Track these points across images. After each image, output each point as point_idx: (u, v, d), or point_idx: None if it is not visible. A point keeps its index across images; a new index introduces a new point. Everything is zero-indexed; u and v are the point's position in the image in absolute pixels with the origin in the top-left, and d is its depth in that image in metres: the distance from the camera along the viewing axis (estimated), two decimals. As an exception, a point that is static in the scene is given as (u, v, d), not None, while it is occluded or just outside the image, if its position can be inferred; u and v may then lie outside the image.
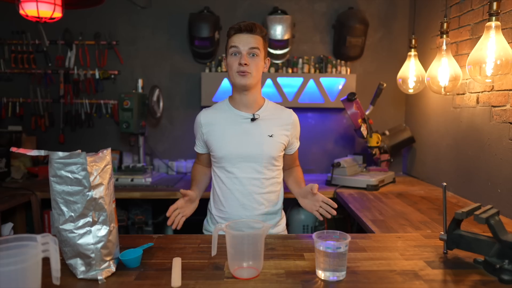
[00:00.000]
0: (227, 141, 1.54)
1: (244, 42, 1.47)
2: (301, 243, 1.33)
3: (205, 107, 3.01)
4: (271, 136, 1.55)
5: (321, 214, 1.46)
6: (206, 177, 1.73)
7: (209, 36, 2.82)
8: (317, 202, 1.45)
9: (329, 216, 1.43)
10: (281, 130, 1.58)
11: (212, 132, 1.57)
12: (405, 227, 1.68)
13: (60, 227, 1.00)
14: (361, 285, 1.01)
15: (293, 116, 1.64)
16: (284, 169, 1.72)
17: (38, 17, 2.05)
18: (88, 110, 3.08)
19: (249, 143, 1.53)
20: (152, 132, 3.12)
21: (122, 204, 2.74)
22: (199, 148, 1.68)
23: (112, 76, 3.07)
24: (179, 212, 1.51)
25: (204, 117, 1.61)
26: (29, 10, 2.01)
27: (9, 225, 2.24)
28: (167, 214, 1.48)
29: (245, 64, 1.46)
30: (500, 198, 1.89)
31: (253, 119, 1.54)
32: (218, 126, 1.56)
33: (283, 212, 1.70)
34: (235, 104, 1.58)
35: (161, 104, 2.98)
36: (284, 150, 1.62)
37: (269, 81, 2.94)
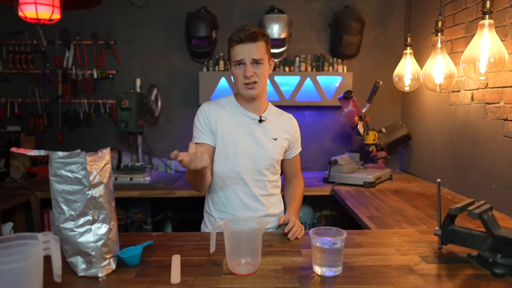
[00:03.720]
0: (235, 140, 1.53)
1: (247, 53, 1.43)
2: (298, 240, 1.35)
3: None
4: (275, 139, 1.57)
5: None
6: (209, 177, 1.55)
7: (206, 35, 2.83)
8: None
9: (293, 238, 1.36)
10: (283, 134, 1.60)
11: (222, 128, 1.54)
12: (401, 223, 1.70)
13: (61, 225, 1.01)
14: (357, 280, 1.03)
15: (293, 121, 1.66)
16: (286, 178, 1.73)
17: (37, 19, 2.06)
18: (86, 110, 3.09)
19: (256, 145, 1.54)
20: (150, 131, 3.13)
21: (121, 203, 2.75)
22: (205, 138, 1.53)
23: (110, 75, 3.08)
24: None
25: (214, 109, 1.55)
26: (28, 12, 2.02)
27: (9, 225, 2.25)
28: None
29: (251, 76, 1.44)
30: (495, 194, 1.91)
31: (260, 121, 1.55)
32: (227, 122, 1.54)
33: None
34: (243, 104, 1.57)
35: (159, 103, 2.99)
36: (284, 153, 1.64)
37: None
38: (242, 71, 1.45)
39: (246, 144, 1.54)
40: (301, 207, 1.68)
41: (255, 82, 1.46)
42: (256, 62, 1.45)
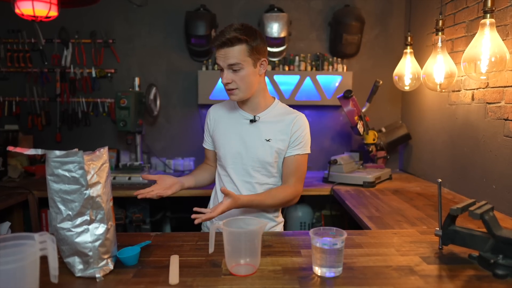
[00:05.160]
0: (227, 140, 1.53)
1: (222, 58, 1.39)
2: (297, 240, 1.34)
3: (202, 105, 3.04)
4: (268, 140, 1.49)
5: None
6: (206, 172, 1.69)
7: (206, 34, 2.82)
8: None
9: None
10: (281, 134, 1.49)
11: (217, 129, 1.57)
12: (401, 223, 1.69)
13: (58, 225, 1.00)
14: (357, 281, 1.02)
15: (296, 120, 1.50)
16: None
17: (34, 16, 2.04)
18: (85, 109, 3.07)
19: (244, 145, 1.50)
20: (149, 130, 3.12)
21: (119, 203, 2.74)
22: (206, 143, 1.67)
23: (109, 74, 3.07)
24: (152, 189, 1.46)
25: (213, 113, 1.62)
26: (24, 9, 2.01)
27: (6, 224, 2.23)
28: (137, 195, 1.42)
29: (227, 83, 1.41)
30: (495, 194, 1.91)
31: (252, 121, 1.51)
32: (222, 123, 1.57)
33: (280, 219, 1.63)
34: (240, 103, 1.55)
35: (158, 102, 2.98)
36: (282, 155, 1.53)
37: (265, 79, 2.94)
38: (222, 76, 1.43)
39: (233, 145, 1.52)
40: (264, 207, 1.50)
41: (234, 88, 1.42)
42: (232, 68, 1.39)
